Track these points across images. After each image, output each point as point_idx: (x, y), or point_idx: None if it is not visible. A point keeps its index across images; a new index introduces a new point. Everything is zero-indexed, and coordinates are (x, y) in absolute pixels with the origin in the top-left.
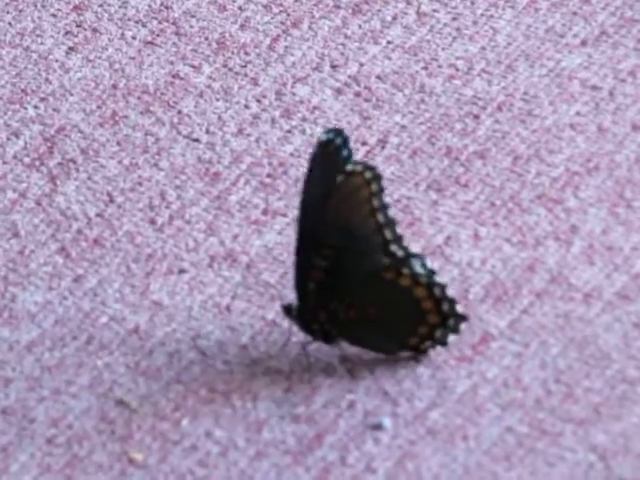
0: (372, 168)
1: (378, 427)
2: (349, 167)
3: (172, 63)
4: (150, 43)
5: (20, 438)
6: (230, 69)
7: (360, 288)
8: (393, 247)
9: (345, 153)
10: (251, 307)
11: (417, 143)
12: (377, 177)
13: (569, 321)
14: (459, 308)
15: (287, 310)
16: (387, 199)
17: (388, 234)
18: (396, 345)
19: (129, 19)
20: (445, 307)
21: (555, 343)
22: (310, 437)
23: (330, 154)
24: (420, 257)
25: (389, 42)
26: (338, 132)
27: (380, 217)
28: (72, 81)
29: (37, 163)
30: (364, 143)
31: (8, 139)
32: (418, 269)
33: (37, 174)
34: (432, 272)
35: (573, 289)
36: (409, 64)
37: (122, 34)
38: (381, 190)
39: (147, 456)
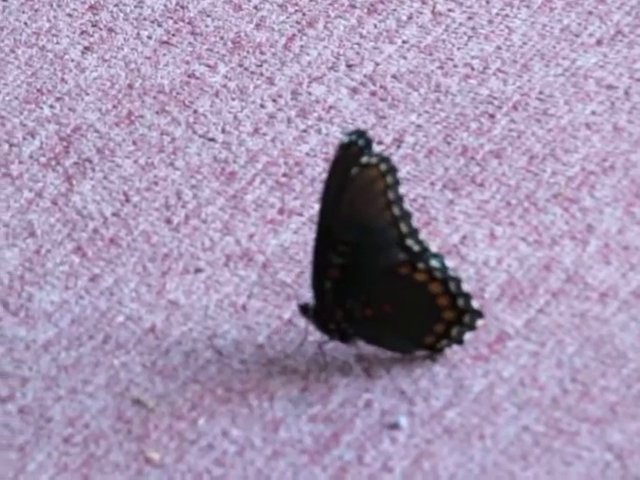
0: (387, 160)
1: (395, 426)
2: (364, 159)
3: (188, 63)
4: (166, 43)
5: (37, 437)
6: (246, 68)
7: (375, 285)
8: (409, 241)
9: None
10: (267, 306)
11: (433, 142)
12: (392, 169)
13: (585, 320)
14: (475, 304)
15: (303, 309)
16: (402, 191)
17: (404, 227)
18: (412, 344)
19: (145, 19)
20: (461, 302)
21: (571, 342)
22: (327, 436)
23: (352, 157)
24: (437, 255)
25: (404, 41)
26: (361, 133)
27: (396, 210)
28: (88, 81)
29: (53, 163)
30: (380, 142)
31: (24, 139)
32: (434, 264)
33: (53, 174)
34: (447, 268)
35: (589, 288)
36: (425, 63)
37: (138, 34)
38: (396, 182)
39: (164, 455)
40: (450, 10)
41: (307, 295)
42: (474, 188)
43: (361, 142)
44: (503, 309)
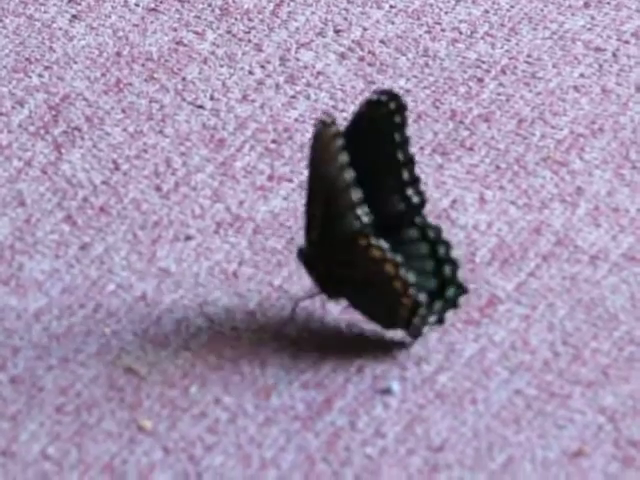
0: (397, 97)
1: (387, 391)
2: (373, 96)
3: (175, 30)
4: (153, 10)
5: (29, 407)
6: (234, 35)
7: (342, 247)
8: (409, 191)
9: (398, 120)
10: (258, 273)
11: (421, 107)
12: (402, 107)
13: (576, 283)
14: (422, 297)
15: (298, 253)
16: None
17: (405, 175)
18: (385, 320)
19: None
20: (413, 292)
21: (562, 305)
22: (319, 402)
23: (379, 118)
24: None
25: (392, 6)
26: (393, 95)
27: (400, 154)
28: (76, 49)
29: (42, 132)
30: None
31: (13, 108)
32: (427, 222)
33: (42, 142)
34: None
35: (579, 251)
36: (412, 28)
37: (125, 1)
38: (404, 123)
39: (156, 423)
40: None
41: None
42: (463, 152)
43: (392, 105)
44: (494, 273)
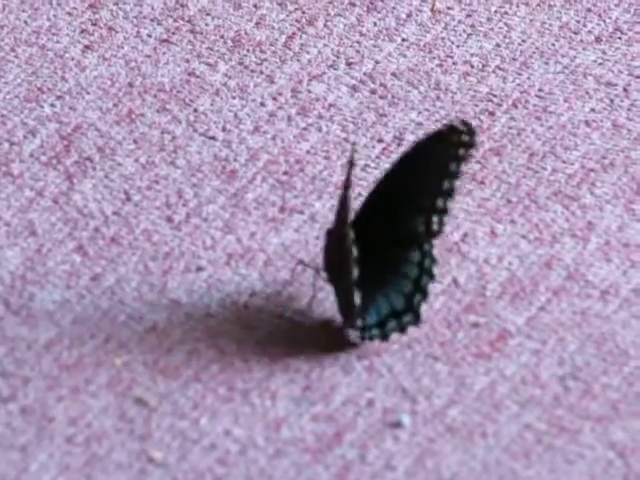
0: (473, 134)
1: (397, 425)
2: (454, 122)
3: (188, 61)
4: (166, 41)
5: (39, 437)
6: (246, 67)
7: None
8: (435, 218)
9: (462, 153)
10: (268, 305)
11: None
12: (471, 145)
13: (586, 318)
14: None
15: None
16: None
17: (440, 203)
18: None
19: (144, 17)
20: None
21: (572, 340)
22: (329, 435)
23: (448, 144)
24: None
25: (404, 39)
26: (471, 130)
27: (446, 183)
28: (88, 79)
29: (54, 161)
30: (380, 140)
31: (25, 137)
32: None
33: (54, 172)
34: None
35: (590, 286)
36: (424, 61)
37: (138, 32)
38: (465, 158)
39: (166, 455)
40: (449, 8)
41: (308, 293)
42: (475, 186)
43: (465, 138)
44: (504, 307)
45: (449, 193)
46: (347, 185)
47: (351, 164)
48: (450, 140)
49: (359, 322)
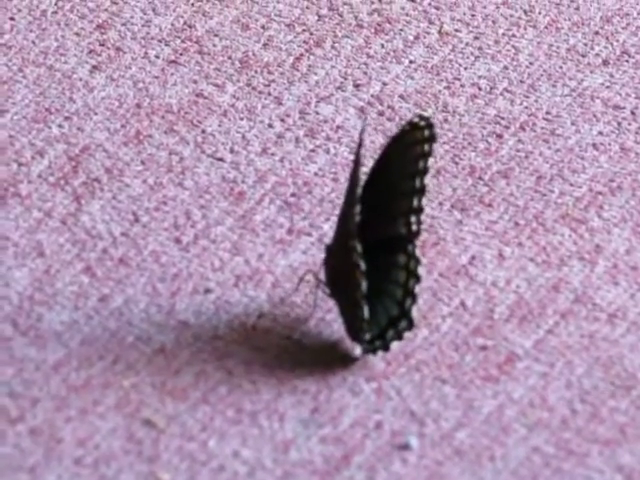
0: (432, 127)
1: (405, 447)
2: (414, 119)
3: (196, 82)
4: (174, 62)
5: (47, 459)
6: (254, 88)
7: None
8: (413, 218)
9: (427, 149)
10: (276, 326)
11: (441, 162)
12: (433, 138)
13: (594, 341)
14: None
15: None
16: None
17: (415, 202)
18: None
19: (152, 38)
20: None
21: (580, 363)
22: (337, 457)
23: (412, 142)
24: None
25: (411, 62)
26: (429, 124)
27: (417, 182)
28: (96, 100)
29: (62, 182)
30: None
31: (33, 158)
32: (415, 253)
33: (62, 193)
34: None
35: (598, 309)
36: (432, 83)
37: (145, 53)
38: (430, 153)
39: (174, 476)
40: (457, 30)
41: (316, 316)
42: (482, 208)
43: (426, 133)
44: (512, 330)
45: (422, 191)
46: (351, 200)
47: (355, 179)
48: (414, 138)
49: (367, 336)
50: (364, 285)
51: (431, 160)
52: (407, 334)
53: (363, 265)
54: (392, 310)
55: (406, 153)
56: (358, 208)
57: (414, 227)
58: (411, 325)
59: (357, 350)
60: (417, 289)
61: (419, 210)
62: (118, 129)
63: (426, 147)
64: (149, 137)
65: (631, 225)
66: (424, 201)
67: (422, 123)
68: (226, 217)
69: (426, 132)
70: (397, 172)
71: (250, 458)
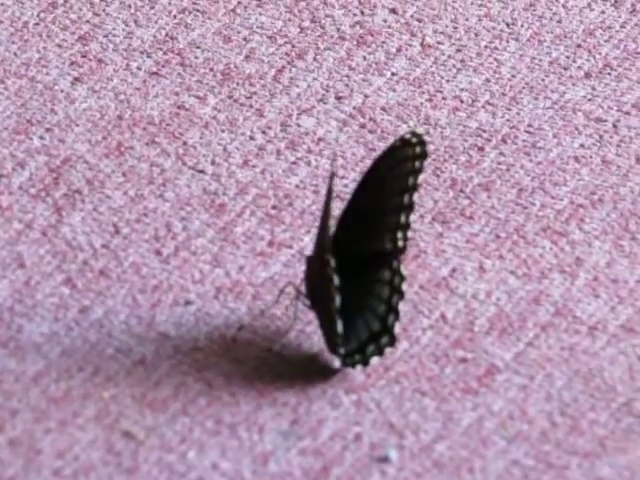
0: (424, 144)
1: (384, 460)
2: (406, 134)
3: (177, 94)
4: (155, 74)
5: (26, 470)
6: (235, 100)
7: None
8: (400, 234)
9: (417, 165)
10: (256, 338)
11: (422, 175)
12: (424, 155)
13: (574, 354)
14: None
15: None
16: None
17: (403, 218)
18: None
19: (134, 50)
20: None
21: (560, 376)
22: (317, 469)
23: (402, 158)
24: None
25: (393, 74)
26: (421, 141)
27: (406, 198)
28: (77, 112)
29: (43, 194)
30: None
31: (14, 170)
32: (399, 269)
33: (43, 205)
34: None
35: (578, 322)
36: (414, 96)
37: (127, 65)
38: (421, 170)
39: None
40: (439, 43)
41: (296, 328)
42: (463, 221)
43: (418, 149)
44: (492, 342)
45: (410, 207)
46: (326, 214)
47: (330, 192)
48: (405, 154)
49: (342, 350)
50: (338, 300)
51: (421, 177)
52: (388, 349)
53: (337, 280)
54: (374, 325)
55: (396, 169)
56: (332, 222)
57: (400, 243)
58: (393, 341)
59: (337, 362)
60: (400, 305)
61: (406, 226)
62: (99, 141)
63: (417, 164)
64: (130, 149)
65: (612, 238)
66: (412, 217)
67: (414, 140)
68: (207, 229)
69: (417, 149)
70: (386, 187)
71: (229, 470)
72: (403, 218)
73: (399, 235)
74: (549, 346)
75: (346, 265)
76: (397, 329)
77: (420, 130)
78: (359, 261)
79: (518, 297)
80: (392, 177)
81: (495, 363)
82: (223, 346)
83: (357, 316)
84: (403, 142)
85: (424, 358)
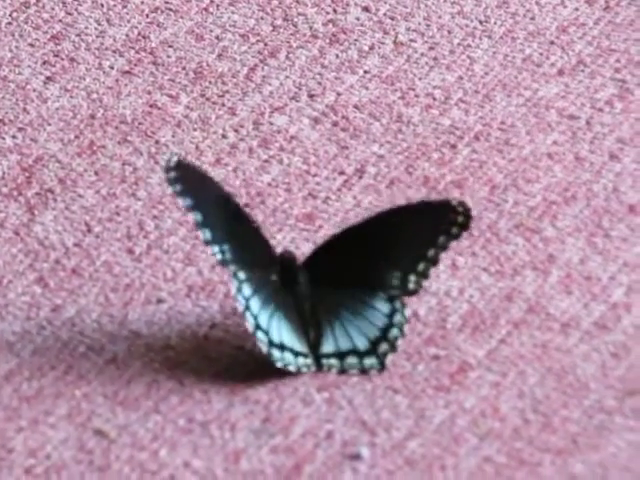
0: (469, 216)
1: (356, 457)
2: (454, 200)
3: (149, 93)
4: (127, 73)
5: None
6: (207, 99)
7: None
8: (413, 277)
9: (454, 231)
10: (228, 336)
11: (395, 173)
12: (465, 227)
13: (547, 351)
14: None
15: None
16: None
17: (421, 267)
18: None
19: (106, 49)
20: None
21: (533, 373)
22: (288, 467)
23: (443, 218)
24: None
25: (366, 72)
26: (467, 212)
27: (431, 252)
28: (50, 111)
29: (15, 193)
30: (341, 173)
31: None
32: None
33: (15, 204)
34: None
35: (551, 319)
36: (386, 94)
37: (100, 64)
38: (456, 237)
39: None
40: (412, 40)
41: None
42: None
43: (460, 219)
44: (465, 339)
45: (432, 261)
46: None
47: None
48: (446, 217)
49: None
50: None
51: (453, 243)
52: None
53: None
54: (359, 343)
55: (432, 222)
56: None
57: (412, 286)
58: (382, 367)
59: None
60: (399, 342)
61: (423, 275)
62: (72, 140)
63: (454, 230)
64: (103, 148)
65: (585, 235)
66: (431, 270)
67: (460, 208)
68: (179, 227)
69: (460, 218)
70: (414, 234)
71: (201, 468)
72: (422, 267)
73: (412, 279)
74: (522, 343)
75: (339, 276)
76: (389, 360)
77: (470, 204)
78: (354, 281)
79: (491, 294)
80: (424, 226)
81: (467, 360)
82: (195, 344)
83: (337, 325)
84: (449, 206)
85: (396, 355)
